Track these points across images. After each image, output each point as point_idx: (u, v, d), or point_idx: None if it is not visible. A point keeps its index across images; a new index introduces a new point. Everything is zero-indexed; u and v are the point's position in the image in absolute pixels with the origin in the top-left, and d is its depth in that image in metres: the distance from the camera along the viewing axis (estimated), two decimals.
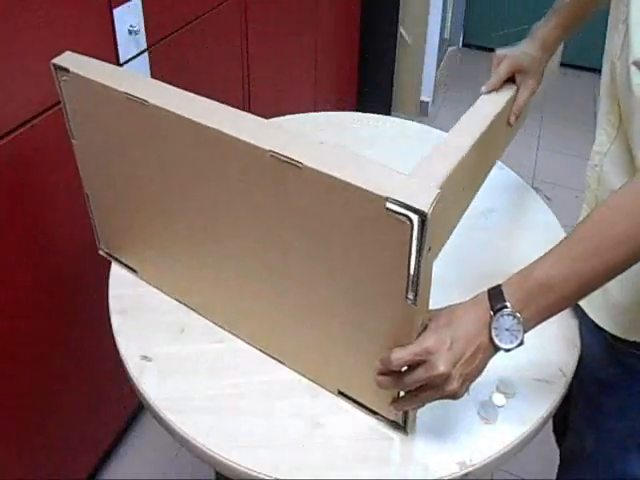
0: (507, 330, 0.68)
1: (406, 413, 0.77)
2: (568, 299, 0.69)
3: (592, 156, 0.86)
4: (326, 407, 0.82)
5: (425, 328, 0.70)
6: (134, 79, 0.78)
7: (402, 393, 0.75)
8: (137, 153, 0.81)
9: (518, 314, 0.67)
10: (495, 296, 0.69)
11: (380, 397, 0.77)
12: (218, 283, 0.88)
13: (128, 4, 1.28)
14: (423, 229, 0.60)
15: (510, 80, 1.02)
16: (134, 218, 0.91)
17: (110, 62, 1.25)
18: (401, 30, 2.81)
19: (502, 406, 0.82)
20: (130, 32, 1.30)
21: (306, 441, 0.78)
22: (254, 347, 0.89)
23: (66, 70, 0.83)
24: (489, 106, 0.95)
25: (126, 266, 1.01)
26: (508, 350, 0.69)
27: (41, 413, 1.32)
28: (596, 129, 0.85)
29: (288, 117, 1.37)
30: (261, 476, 0.75)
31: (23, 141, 1.10)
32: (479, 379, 0.85)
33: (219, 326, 0.92)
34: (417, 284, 0.65)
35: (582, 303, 0.88)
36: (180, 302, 0.95)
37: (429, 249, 0.63)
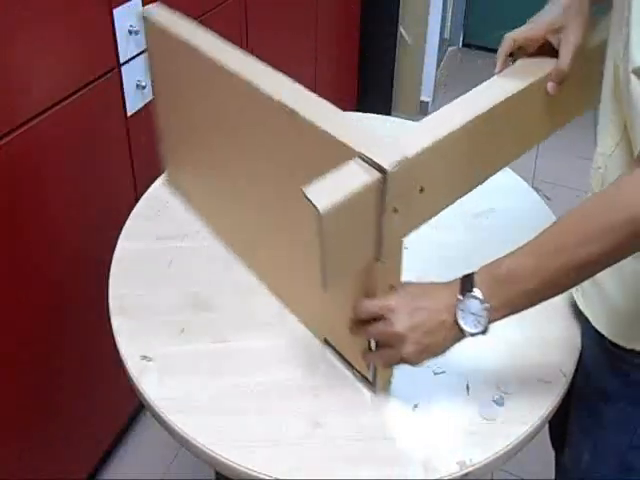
0: (473, 314, 0.70)
1: (375, 371, 0.81)
2: (533, 294, 0.70)
3: (595, 159, 0.84)
4: (326, 407, 0.82)
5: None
6: (203, 35, 0.90)
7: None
8: (195, 95, 0.95)
9: (485, 300, 0.69)
10: (466, 281, 0.71)
11: (356, 351, 0.81)
12: (243, 218, 0.97)
13: (128, 4, 1.28)
14: (384, 187, 0.65)
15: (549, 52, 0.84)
16: (191, 153, 1.06)
17: (110, 62, 1.27)
18: (401, 30, 2.81)
19: (502, 406, 0.82)
20: (130, 32, 1.30)
21: (306, 441, 0.78)
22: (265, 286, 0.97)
23: (151, 21, 0.96)
24: (504, 83, 0.82)
25: (183, 196, 1.13)
26: (473, 335, 0.71)
27: (41, 413, 1.32)
28: (598, 132, 0.84)
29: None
30: (261, 476, 0.75)
31: (23, 141, 1.10)
32: (479, 379, 0.85)
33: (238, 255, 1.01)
34: (381, 241, 0.69)
35: (584, 310, 0.88)
36: (217, 236, 1.05)
37: (394, 209, 0.68)
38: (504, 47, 0.85)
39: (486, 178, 0.87)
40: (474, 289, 0.70)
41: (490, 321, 0.70)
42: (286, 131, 0.77)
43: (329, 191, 0.64)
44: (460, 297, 0.70)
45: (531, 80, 0.82)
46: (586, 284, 0.84)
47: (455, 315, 0.70)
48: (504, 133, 0.85)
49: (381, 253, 0.71)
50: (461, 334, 0.71)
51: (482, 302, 0.69)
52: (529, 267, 0.69)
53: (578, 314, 0.90)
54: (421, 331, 0.71)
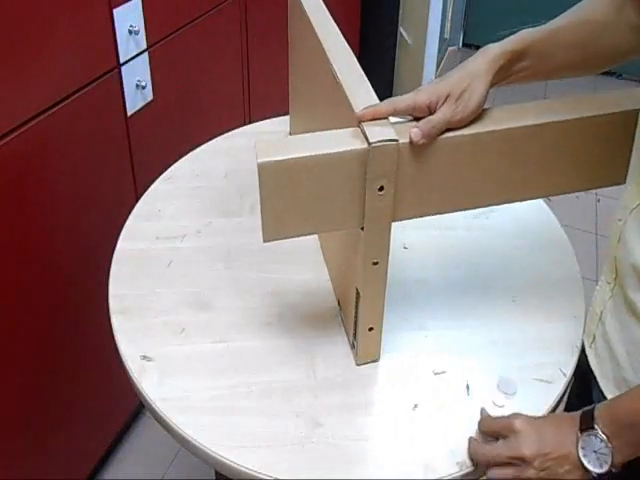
0: (595, 452, 0.67)
1: (356, 337, 0.84)
2: None
3: (618, 210, 0.77)
4: (326, 407, 0.82)
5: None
6: (318, 11, 1.04)
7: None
8: (302, 49, 1.16)
9: (606, 439, 0.66)
10: (586, 418, 0.69)
11: (350, 318, 0.85)
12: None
13: (128, 4, 1.28)
14: (369, 159, 0.69)
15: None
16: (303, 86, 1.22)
17: (110, 62, 1.27)
18: (401, 30, 2.82)
19: (502, 406, 0.82)
20: (130, 32, 1.30)
21: (306, 441, 0.78)
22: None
23: None
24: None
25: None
26: (599, 475, 0.67)
27: (41, 413, 1.32)
28: (627, 183, 0.77)
29: (289, 117, 1.37)
30: (261, 476, 0.75)
31: (23, 141, 1.10)
32: (479, 379, 0.85)
33: None
34: (363, 212, 0.73)
35: (595, 369, 0.84)
36: None
37: (381, 188, 0.71)
38: (382, 110, 0.74)
39: (473, 205, 0.84)
40: (594, 426, 0.67)
41: (615, 461, 0.66)
42: (333, 92, 0.84)
43: (286, 149, 0.68)
44: (579, 434, 0.68)
45: (550, 119, 0.80)
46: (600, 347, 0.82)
47: (577, 452, 0.68)
48: (502, 164, 0.80)
49: (364, 224, 0.74)
50: (585, 472, 0.68)
51: (602, 440, 0.66)
52: None
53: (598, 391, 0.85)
54: (547, 457, 0.69)
